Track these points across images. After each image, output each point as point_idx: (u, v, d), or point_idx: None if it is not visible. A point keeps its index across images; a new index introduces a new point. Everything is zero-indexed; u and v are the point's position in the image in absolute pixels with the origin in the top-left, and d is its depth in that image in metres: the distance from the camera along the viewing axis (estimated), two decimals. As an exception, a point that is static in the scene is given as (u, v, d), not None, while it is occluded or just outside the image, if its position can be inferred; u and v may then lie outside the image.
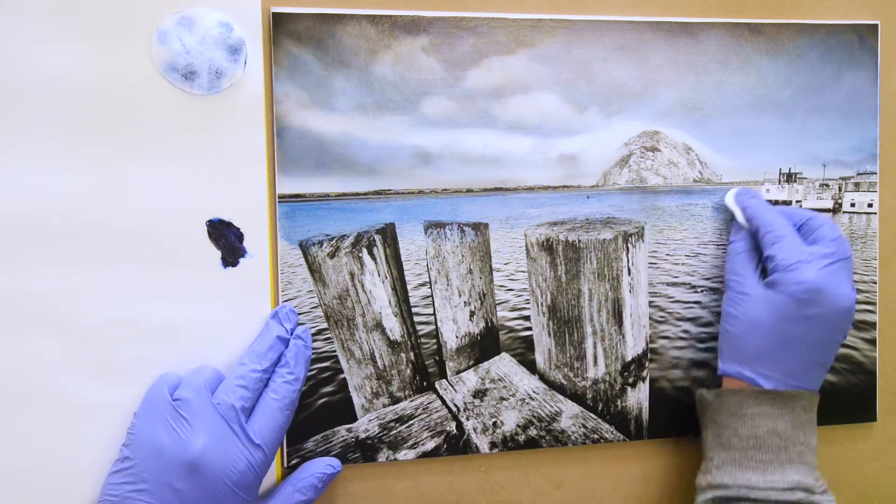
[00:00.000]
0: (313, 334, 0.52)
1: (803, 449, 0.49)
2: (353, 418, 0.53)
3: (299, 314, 0.52)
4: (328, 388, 0.52)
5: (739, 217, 0.55)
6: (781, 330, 0.49)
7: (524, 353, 0.56)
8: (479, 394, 0.55)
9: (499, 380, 0.55)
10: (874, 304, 0.60)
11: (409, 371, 0.54)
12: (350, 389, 0.53)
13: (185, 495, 0.43)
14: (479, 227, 0.54)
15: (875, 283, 0.60)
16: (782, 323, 0.49)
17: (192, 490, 0.43)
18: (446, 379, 0.55)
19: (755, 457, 0.49)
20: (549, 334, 0.56)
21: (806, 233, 0.52)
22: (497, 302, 0.55)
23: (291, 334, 0.50)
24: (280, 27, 0.50)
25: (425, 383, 0.54)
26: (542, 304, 0.55)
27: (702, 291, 0.58)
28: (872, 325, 0.60)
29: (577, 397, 0.56)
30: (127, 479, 0.43)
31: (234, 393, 0.45)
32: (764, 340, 0.50)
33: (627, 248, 0.56)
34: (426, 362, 0.54)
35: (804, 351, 0.49)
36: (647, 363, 0.57)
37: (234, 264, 0.50)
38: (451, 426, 0.54)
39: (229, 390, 0.46)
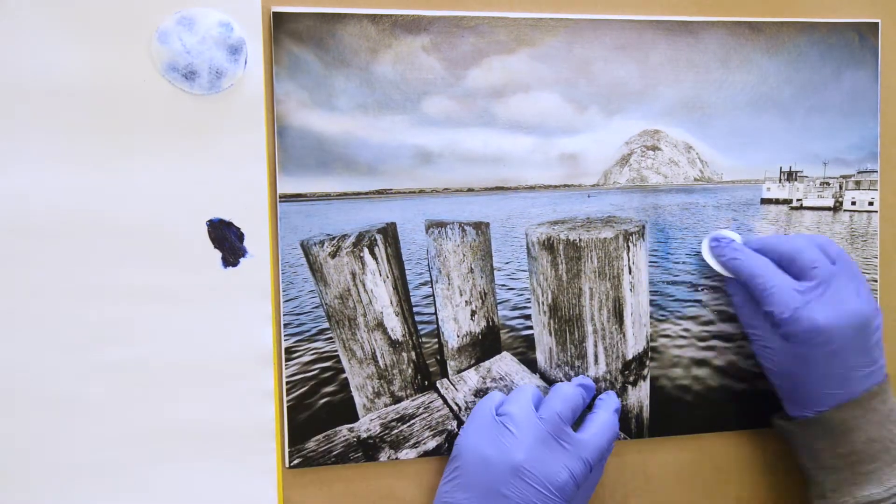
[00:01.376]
0: (314, 334, 0.52)
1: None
2: (355, 418, 0.53)
3: (300, 314, 0.52)
4: (330, 388, 0.52)
5: (718, 269, 0.55)
6: (818, 370, 0.50)
7: (525, 351, 0.56)
8: (481, 393, 0.55)
9: (500, 379, 0.55)
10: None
11: (410, 370, 0.54)
12: (352, 389, 0.53)
13: (512, 500, 0.45)
14: (480, 227, 0.54)
15: (876, 281, 0.60)
16: (815, 366, 0.50)
17: (519, 495, 0.45)
18: (448, 378, 0.55)
19: (863, 469, 0.49)
20: (550, 333, 0.56)
21: (788, 264, 0.52)
22: (498, 301, 0.55)
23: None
24: (280, 27, 0.50)
25: (427, 382, 0.54)
26: (542, 303, 0.55)
27: (702, 290, 0.58)
28: (873, 324, 0.60)
29: (578, 396, 0.56)
30: (457, 487, 0.47)
31: (557, 407, 0.49)
32: (808, 384, 0.51)
33: (628, 246, 0.56)
34: (427, 361, 0.54)
35: (849, 370, 0.50)
36: (647, 362, 0.57)
37: (235, 264, 0.50)
38: (453, 425, 0.54)
39: (553, 405, 0.49)
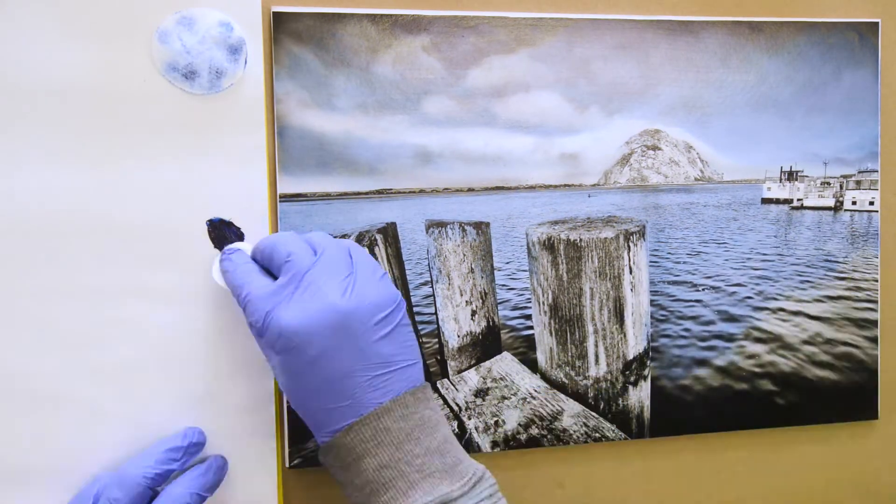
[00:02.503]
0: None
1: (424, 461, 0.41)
2: (355, 418, 0.53)
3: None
4: (330, 388, 0.52)
5: (222, 284, 0.48)
6: (307, 382, 0.41)
7: (526, 352, 0.56)
8: (481, 393, 0.55)
9: (500, 379, 0.55)
10: (875, 301, 0.60)
11: (410, 370, 0.54)
12: (352, 389, 0.53)
13: None
14: (481, 226, 0.54)
15: (876, 280, 0.60)
16: (302, 377, 0.41)
17: None
18: (448, 378, 0.55)
19: (378, 502, 0.40)
20: (551, 333, 0.55)
21: (268, 265, 0.45)
22: (498, 301, 0.55)
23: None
24: (281, 26, 0.50)
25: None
26: (543, 303, 0.55)
27: (703, 290, 0.58)
28: (874, 323, 0.60)
29: (578, 396, 0.56)
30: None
31: None
32: (306, 401, 0.42)
33: (629, 246, 0.56)
34: (428, 361, 0.54)
35: (347, 379, 0.40)
36: (648, 362, 0.57)
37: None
38: (453, 425, 0.54)
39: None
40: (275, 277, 0.44)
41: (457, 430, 0.54)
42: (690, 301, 0.58)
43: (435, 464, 0.41)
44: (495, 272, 0.55)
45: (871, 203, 0.60)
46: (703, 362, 0.58)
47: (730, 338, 0.58)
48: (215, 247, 0.49)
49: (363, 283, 0.42)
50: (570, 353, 0.56)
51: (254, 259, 0.46)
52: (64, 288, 0.48)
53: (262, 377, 0.51)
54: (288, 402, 0.50)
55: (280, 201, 0.51)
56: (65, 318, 0.48)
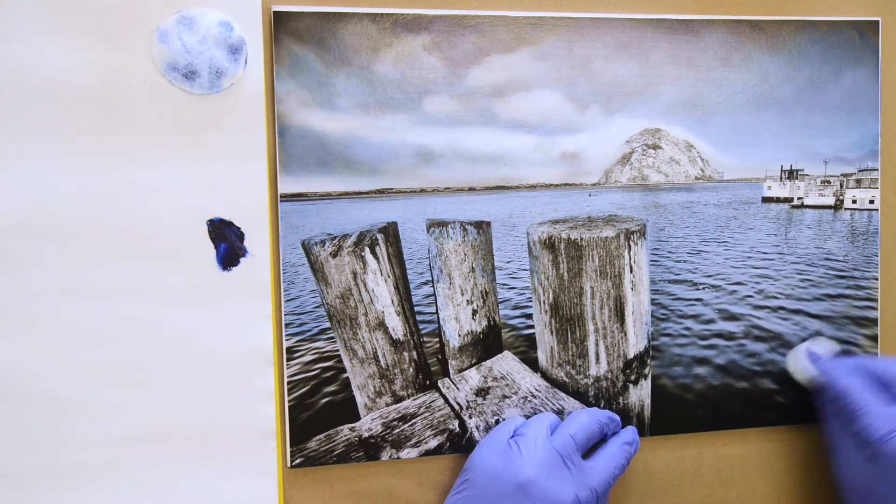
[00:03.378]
0: (315, 334, 0.52)
1: None
2: (357, 417, 0.53)
3: (302, 314, 0.51)
4: (331, 388, 0.52)
5: (802, 379, 0.57)
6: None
7: (526, 351, 0.56)
8: (482, 392, 0.55)
9: (501, 378, 0.55)
10: (876, 300, 0.60)
11: (411, 370, 0.54)
12: (353, 388, 0.53)
13: None
14: (482, 226, 0.54)
15: (876, 279, 0.60)
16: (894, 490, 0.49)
17: None
18: (449, 377, 0.55)
19: None
20: (552, 332, 0.56)
21: (885, 385, 0.52)
22: (499, 300, 0.55)
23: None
24: (281, 26, 0.49)
25: (428, 382, 0.54)
26: (544, 302, 0.55)
27: (704, 289, 0.58)
28: (874, 322, 0.60)
29: (579, 395, 0.56)
30: (464, 500, 0.48)
31: (571, 431, 0.49)
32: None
33: (629, 245, 0.56)
34: (429, 361, 0.54)
35: None
36: (649, 360, 0.57)
37: (235, 264, 0.50)
38: (454, 424, 0.54)
39: (567, 430, 0.49)
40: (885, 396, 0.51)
41: (458, 429, 0.54)
42: (691, 300, 0.58)
43: None
44: (496, 271, 0.55)
45: (872, 201, 0.60)
46: (703, 361, 0.58)
47: (730, 336, 0.58)
48: (216, 247, 0.49)
49: None
50: (570, 352, 0.56)
51: (853, 370, 0.53)
52: (64, 288, 0.47)
53: (262, 377, 0.51)
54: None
55: (281, 201, 0.50)
56: (65, 318, 0.48)
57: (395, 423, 0.53)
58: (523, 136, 0.54)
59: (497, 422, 0.55)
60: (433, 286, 0.54)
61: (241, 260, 0.50)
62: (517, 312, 0.55)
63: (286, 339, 0.51)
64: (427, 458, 0.54)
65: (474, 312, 0.55)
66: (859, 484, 0.52)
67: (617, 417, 0.53)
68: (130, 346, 0.49)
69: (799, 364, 0.57)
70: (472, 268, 0.54)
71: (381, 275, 0.53)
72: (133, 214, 0.48)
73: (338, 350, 0.52)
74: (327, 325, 0.52)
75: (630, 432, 0.53)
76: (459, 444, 0.54)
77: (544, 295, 0.55)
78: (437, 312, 0.54)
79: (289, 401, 0.51)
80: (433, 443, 0.53)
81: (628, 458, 0.51)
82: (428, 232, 0.53)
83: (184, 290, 0.49)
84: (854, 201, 0.60)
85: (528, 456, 0.47)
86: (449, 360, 0.55)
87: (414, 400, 0.54)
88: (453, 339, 0.54)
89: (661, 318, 0.57)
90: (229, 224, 0.50)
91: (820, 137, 0.59)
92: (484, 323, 0.55)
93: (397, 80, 0.52)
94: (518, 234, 0.55)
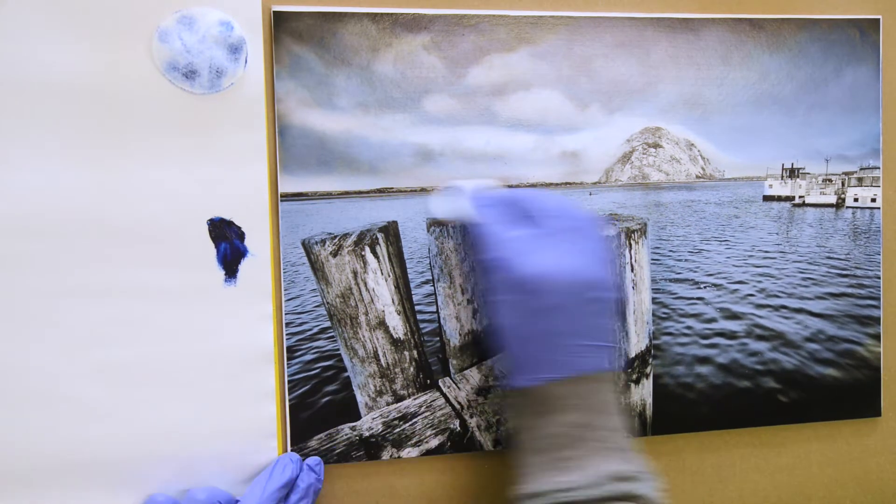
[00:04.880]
0: (316, 333, 0.52)
1: (607, 434, 0.45)
2: (357, 416, 0.53)
3: (302, 313, 0.51)
4: (332, 387, 0.52)
5: (444, 216, 0.53)
6: (540, 325, 0.44)
7: (527, 350, 0.56)
8: (483, 391, 0.54)
9: (502, 377, 0.55)
10: (878, 299, 0.60)
11: (412, 369, 0.54)
12: (354, 388, 0.53)
13: None
14: (482, 225, 0.54)
15: (878, 277, 0.60)
16: (536, 319, 0.44)
17: None
18: (450, 377, 0.55)
19: (565, 455, 0.44)
20: (553, 331, 0.55)
21: (525, 216, 0.48)
22: (500, 299, 0.55)
23: (301, 469, 0.50)
24: (281, 25, 0.50)
25: (429, 381, 0.54)
26: (545, 302, 0.55)
27: (705, 287, 0.58)
28: (877, 321, 0.60)
29: (580, 394, 0.56)
30: None
31: None
32: (532, 342, 0.45)
33: (630, 244, 0.55)
34: (429, 360, 0.54)
35: (570, 338, 0.44)
36: (650, 359, 0.57)
37: (236, 264, 0.50)
38: (455, 424, 0.54)
39: None
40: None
41: (459, 428, 0.54)
42: (692, 299, 0.58)
43: (617, 441, 0.45)
44: (497, 270, 0.55)
45: (873, 200, 0.60)
46: (705, 360, 0.58)
47: (732, 335, 0.58)
48: (216, 246, 0.49)
49: (594, 255, 0.46)
50: (571, 352, 0.56)
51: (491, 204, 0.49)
52: (64, 288, 0.48)
53: (262, 376, 0.51)
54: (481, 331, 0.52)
55: (281, 200, 0.50)
56: (65, 318, 0.48)
57: (395, 422, 0.53)
58: (523, 136, 0.54)
59: (498, 421, 0.54)
60: (434, 285, 0.54)
61: (242, 260, 0.50)
62: (518, 311, 0.55)
63: (287, 339, 0.51)
64: (428, 458, 0.54)
65: (475, 311, 0.55)
66: (504, 326, 0.46)
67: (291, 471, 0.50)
68: (131, 346, 0.49)
69: (444, 201, 0.52)
70: (473, 267, 0.54)
71: (382, 274, 0.53)
72: (133, 214, 0.48)
73: (338, 349, 0.52)
74: (328, 324, 0.52)
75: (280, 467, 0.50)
76: (460, 443, 0.54)
77: (545, 294, 0.55)
78: (437, 311, 0.54)
79: (290, 400, 0.51)
80: (434, 442, 0.53)
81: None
82: (428, 231, 0.53)
83: (183, 290, 0.49)
84: (856, 199, 0.60)
85: None
86: (450, 360, 0.55)
87: (415, 399, 0.54)
88: (454, 338, 0.54)
89: (662, 317, 0.57)
90: (230, 223, 0.50)
91: (821, 136, 0.59)
92: (485, 322, 0.55)
93: (397, 79, 0.52)
94: (518, 233, 0.55)
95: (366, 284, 0.52)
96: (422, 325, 0.54)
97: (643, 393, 0.57)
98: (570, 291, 0.44)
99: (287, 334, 0.51)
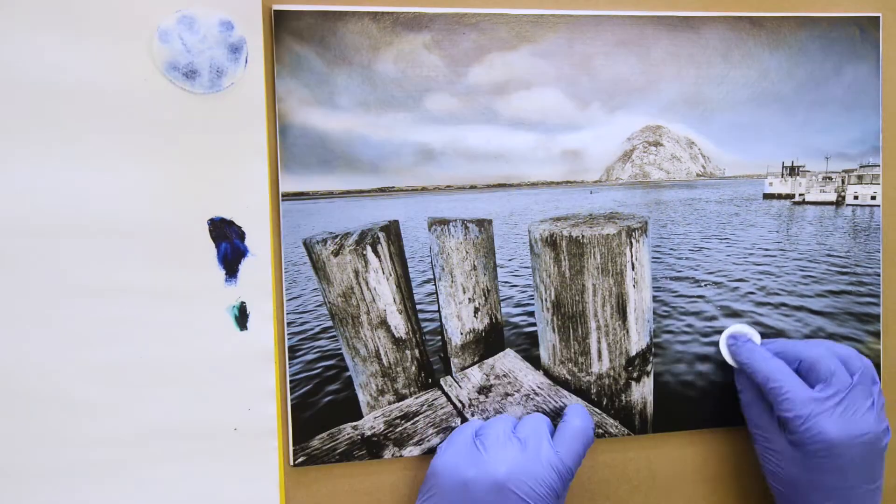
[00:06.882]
0: (317, 333, 0.52)
1: None
2: (359, 416, 0.53)
3: (304, 312, 0.52)
4: (333, 386, 0.52)
5: (730, 361, 0.57)
6: (822, 481, 0.50)
7: (528, 348, 0.56)
8: (484, 390, 0.55)
9: (503, 376, 0.55)
10: (878, 296, 0.60)
11: (414, 368, 0.54)
12: (355, 387, 0.53)
13: None
14: (483, 224, 0.54)
15: (878, 275, 0.60)
16: (820, 476, 0.50)
17: None
18: (451, 375, 0.55)
19: None
20: (554, 330, 0.55)
21: (806, 371, 0.52)
22: (501, 298, 0.55)
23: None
24: (281, 25, 0.49)
25: (430, 380, 0.54)
26: (546, 300, 0.55)
27: (706, 286, 0.58)
28: (876, 318, 0.60)
29: (581, 392, 0.56)
30: None
31: (532, 422, 0.50)
32: (809, 494, 0.50)
33: (631, 242, 0.56)
34: (431, 359, 0.54)
35: (851, 487, 0.50)
36: (651, 358, 0.57)
37: (237, 264, 0.50)
38: (457, 422, 0.54)
39: (528, 422, 0.50)
40: (806, 381, 0.52)
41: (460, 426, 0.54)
42: (693, 297, 0.58)
43: None
44: (498, 269, 0.55)
45: (873, 197, 0.60)
46: (705, 358, 0.58)
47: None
48: (216, 246, 0.49)
49: (878, 409, 0.51)
50: (572, 350, 0.56)
51: (776, 354, 0.54)
52: (64, 288, 0.47)
53: (263, 376, 0.51)
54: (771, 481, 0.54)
55: (282, 200, 0.50)
56: (65, 318, 0.48)
57: (397, 421, 0.53)
58: (524, 134, 0.54)
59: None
60: (435, 284, 0.54)
61: (243, 259, 0.50)
62: (519, 310, 0.55)
63: (288, 338, 0.51)
64: (430, 457, 0.54)
65: (476, 310, 0.55)
66: (784, 472, 0.52)
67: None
68: (131, 345, 0.49)
69: (724, 349, 0.57)
70: (474, 266, 0.54)
71: (383, 273, 0.53)
72: (133, 214, 0.48)
73: (340, 349, 0.52)
74: (329, 323, 0.52)
75: (581, 409, 0.53)
76: (462, 442, 0.54)
77: (546, 292, 0.55)
78: (438, 310, 0.54)
79: (291, 399, 0.51)
80: (436, 441, 0.53)
81: (589, 431, 0.51)
82: (429, 230, 0.53)
83: (184, 290, 0.49)
84: (856, 197, 0.60)
85: (497, 454, 0.47)
86: (451, 358, 0.55)
87: (416, 398, 0.54)
88: (455, 336, 0.54)
89: (663, 315, 0.57)
90: (230, 223, 0.50)
91: (821, 134, 0.59)
92: (486, 321, 0.55)
93: (398, 78, 0.52)
94: (519, 231, 0.55)
95: (367, 283, 0.52)
96: (423, 324, 0.54)
97: (644, 391, 0.57)
98: (866, 450, 0.49)
99: (289, 334, 0.51)
